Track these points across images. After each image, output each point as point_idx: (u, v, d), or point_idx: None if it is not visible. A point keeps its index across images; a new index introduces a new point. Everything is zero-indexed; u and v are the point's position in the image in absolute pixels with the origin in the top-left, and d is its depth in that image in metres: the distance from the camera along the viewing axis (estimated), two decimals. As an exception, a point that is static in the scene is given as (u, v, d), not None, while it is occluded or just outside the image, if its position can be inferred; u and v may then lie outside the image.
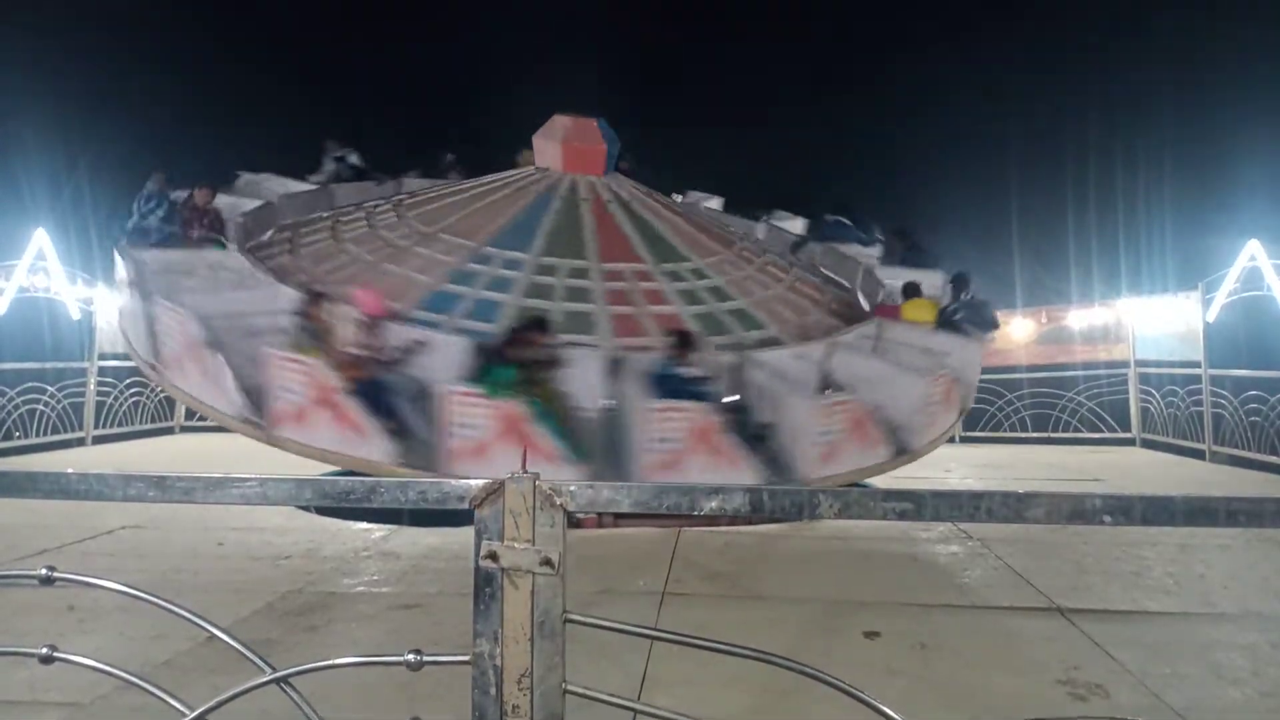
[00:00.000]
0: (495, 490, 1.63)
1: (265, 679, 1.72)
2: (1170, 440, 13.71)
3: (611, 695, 1.67)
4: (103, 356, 14.13)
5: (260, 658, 1.73)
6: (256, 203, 9.64)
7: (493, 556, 1.62)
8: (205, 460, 12.09)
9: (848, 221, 10.76)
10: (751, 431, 6.69)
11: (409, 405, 6.61)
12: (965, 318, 8.47)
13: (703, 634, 1.68)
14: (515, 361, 6.50)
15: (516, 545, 1.62)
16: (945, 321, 8.50)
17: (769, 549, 6.53)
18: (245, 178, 10.60)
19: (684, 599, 5.13)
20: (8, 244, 12.85)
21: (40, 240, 12.90)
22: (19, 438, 12.32)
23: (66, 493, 1.80)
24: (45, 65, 18.61)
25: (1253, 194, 17.42)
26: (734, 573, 5.76)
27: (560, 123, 9.81)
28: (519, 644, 1.60)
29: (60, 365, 13.34)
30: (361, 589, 5.34)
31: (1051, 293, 17.13)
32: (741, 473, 6.49)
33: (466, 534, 1.65)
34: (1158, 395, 14.24)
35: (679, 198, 11.86)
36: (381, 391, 6.59)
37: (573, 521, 1.73)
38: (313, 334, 6.77)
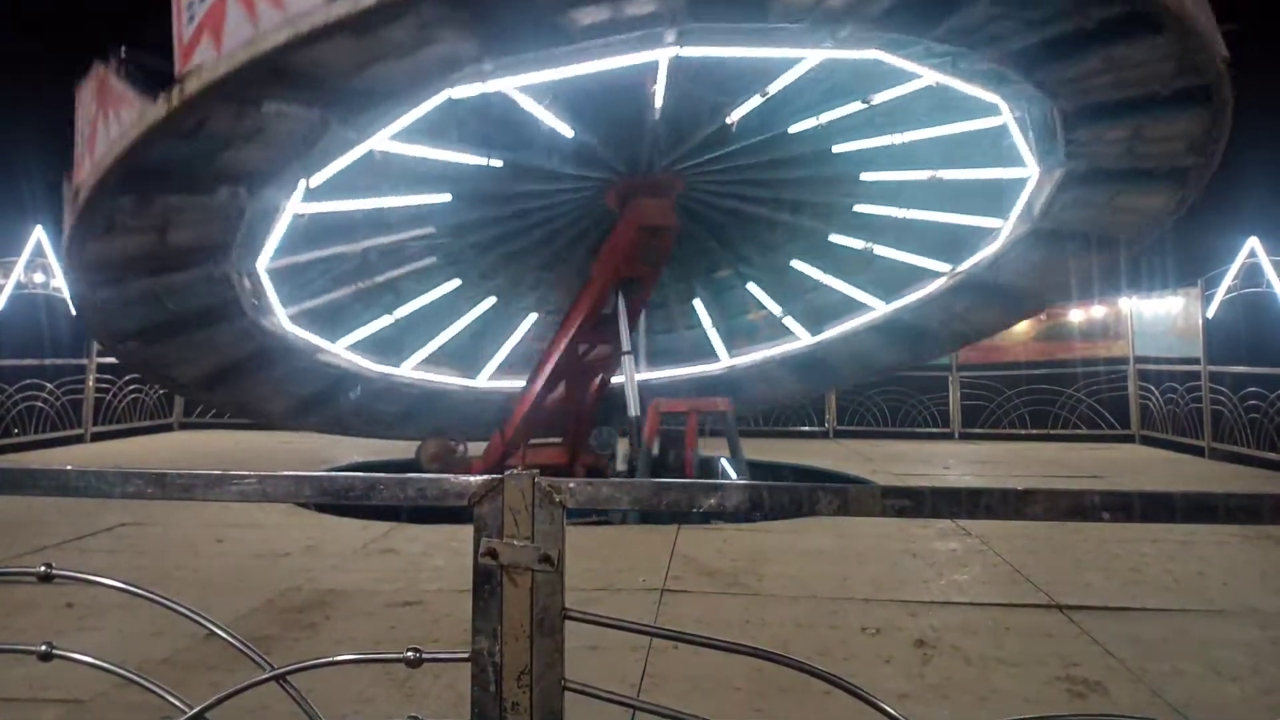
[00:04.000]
0: (494, 487, 1.63)
1: (264, 676, 1.72)
2: (1169, 437, 13.73)
3: (611, 692, 1.67)
4: (101, 353, 14.13)
5: (259, 655, 1.73)
6: None
7: (492, 553, 1.62)
8: (204, 457, 12.09)
9: None
10: None
11: None
12: None
13: (701, 631, 1.68)
14: None
15: (515, 542, 1.62)
16: None
17: (767, 545, 6.53)
18: None
19: (683, 596, 5.14)
20: (6, 241, 12.85)
21: (38, 237, 12.90)
22: (18, 434, 12.33)
23: (65, 490, 1.80)
24: (45, 62, 18.59)
25: (1253, 191, 17.44)
26: (732, 569, 5.77)
27: None
28: (518, 641, 1.60)
29: (59, 362, 13.34)
30: (361, 586, 5.34)
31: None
32: None
33: (466, 531, 1.65)
34: (1157, 392, 14.26)
35: None
36: None
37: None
38: None
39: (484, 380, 11.21)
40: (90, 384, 13.80)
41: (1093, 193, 8.77)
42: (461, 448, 9.96)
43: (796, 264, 11.02)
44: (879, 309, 10.90)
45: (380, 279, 9.98)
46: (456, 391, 11.03)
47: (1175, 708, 3.53)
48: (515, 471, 1.65)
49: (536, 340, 11.23)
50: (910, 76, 7.94)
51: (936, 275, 10.43)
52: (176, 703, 1.81)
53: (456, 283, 10.45)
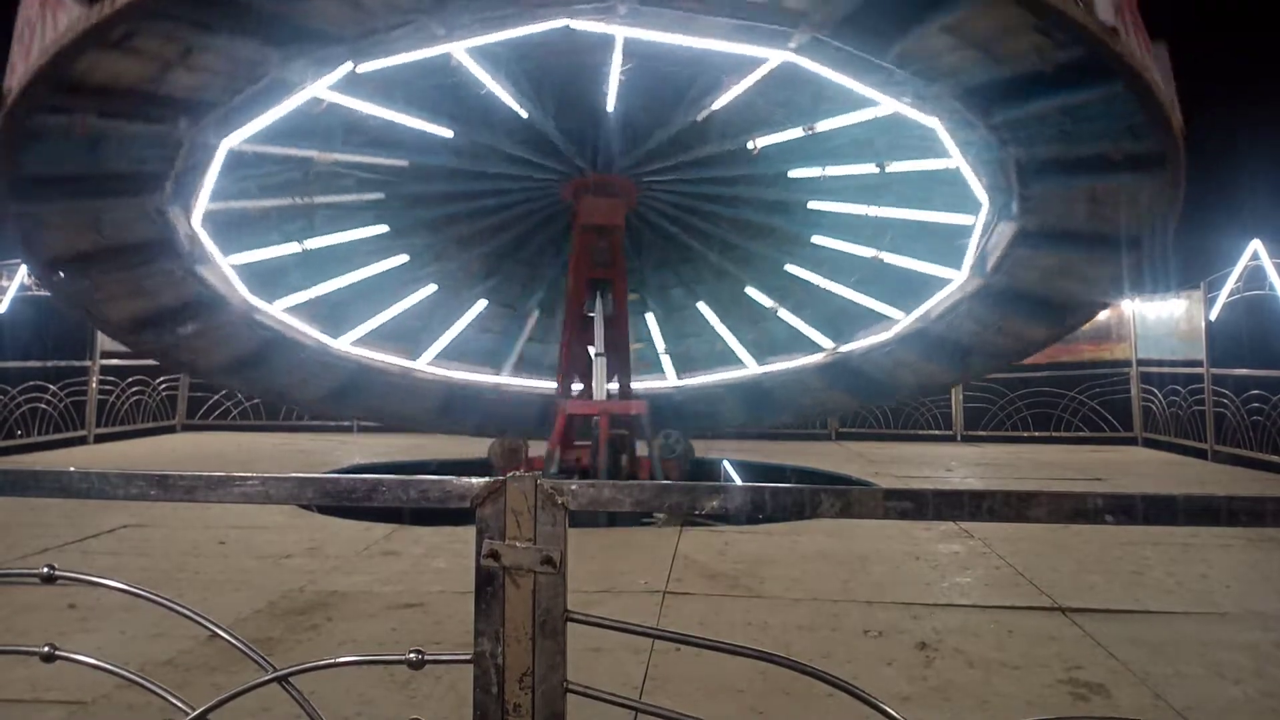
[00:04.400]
0: (497, 489, 1.63)
1: (267, 678, 1.72)
2: (1172, 439, 13.71)
3: (613, 694, 1.67)
4: (104, 355, 14.15)
5: (262, 656, 1.73)
6: None
7: (494, 555, 1.62)
8: (207, 459, 12.10)
9: None
10: None
11: None
12: None
13: (703, 633, 1.68)
14: None
15: (518, 544, 1.62)
16: None
17: (769, 548, 6.53)
18: None
19: (685, 598, 5.14)
20: (10, 243, 12.85)
21: (42, 239, 12.91)
22: (21, 436, 12.34)
23: (69, 491, 1.80)
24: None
25: (1255, 193, 17.41)
26: (734, 572, 5.76)
27: None
28: (520, 643, 1.60)
29: (62, 364, 13.36)
30: (363, 588, 5.35)
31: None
32: None
33: (468, 533, 1.65)
34: (1160, 394, 14.24)
35: None
36: None
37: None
38: None
39: (345, 343, 10.11)
40: (93, 386, 13.83)
41: (991, 312, 9.18)
42: (527, 448, 9.88)
43: (701, 306, 11.08)
44: (750, 369, 10.93)
45: (313, 200, 9.31)
46: (310, 346, 9.95)
47: (1178, 710, 3.52)
48: (517, 474, 1.66)
49: (416, 319, 10.68)
50: (933, 155, 8.31)
51: (815, 350, 10.62)
52: (179, 704, 1.81)
53: (383, 229, 9.90)
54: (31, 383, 12.60)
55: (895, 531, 6.78)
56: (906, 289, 9.80)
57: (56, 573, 1.77)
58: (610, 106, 8.34)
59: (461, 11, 6.28)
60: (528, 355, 11.31)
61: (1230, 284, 12.43)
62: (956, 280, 9.11)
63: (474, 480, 1.66)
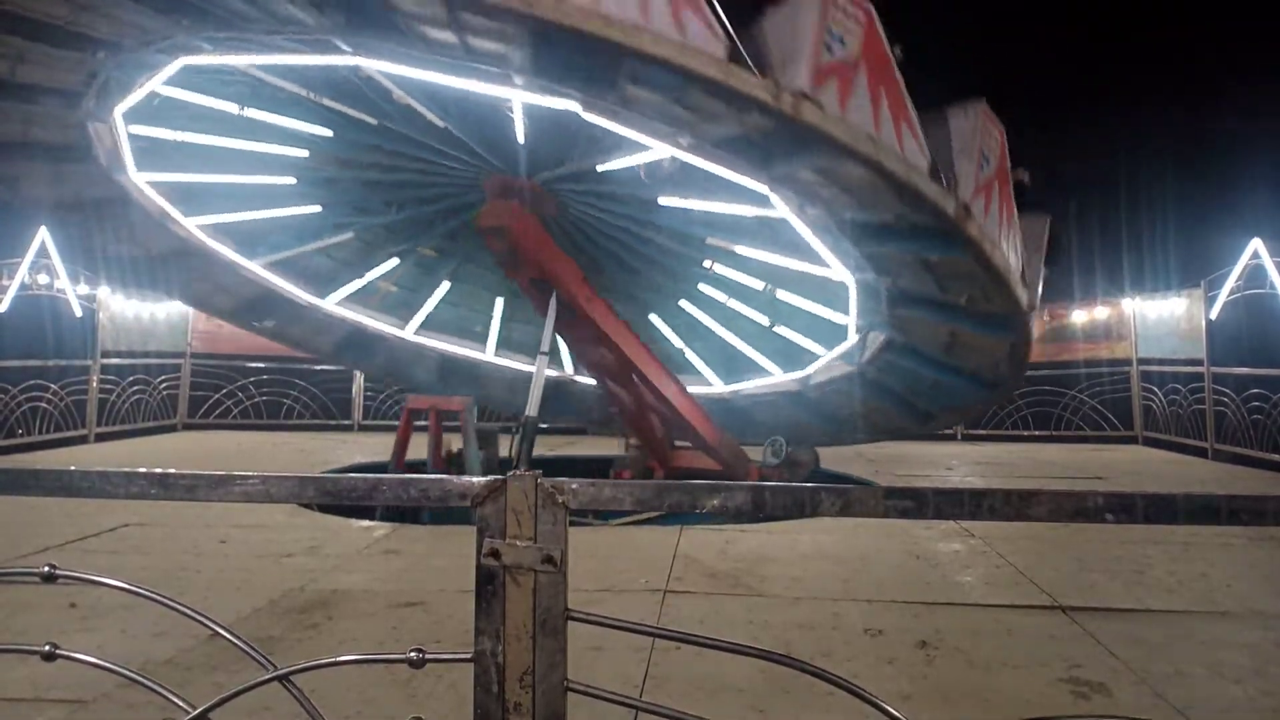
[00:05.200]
0: (497, 488, 1.64)
1: (267, 676, 1.72)
2: (1173, 438, 13.71)
3: (613, 692, 1.68)
4: (105, 354, 14.16)
5: (262, 655, 1.73)
6: None
7: (495, 554, 1.62)
8: (208, 458, 12.10)
9: None
10: None
11: None
12: None
13: (704, 632, 1.68)
14: None
15: (519, 543, 1.62)
16: None
17: (769, 546, 6.53)
18: None
19: (685, 597, 5.14)
20: (10, 242, 12.86)
21: (42, 238, 12.92)
22: (22, 435, 12.34)
23: (70, 490, 1.80)
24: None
25: (1255, 191, 17.41)
26: (734, 571, 5.76)
27: None
28: (521, 641, 1.60)
29: (63, 363, 13.36)
30: (364, 586, 5.35)
31: (1055, 291, 17.11)
32: None
33: (468, 532, 1.65)
34: (1160, 393, 14.24)
35: None
36: None
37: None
38: None
39: (140, 178, 8.97)
40: (94, 385, 13.83)
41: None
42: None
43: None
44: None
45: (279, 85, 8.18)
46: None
47: (1178, 709, 3.52)
48: (517, 472, 1.66)
49: (239, 199, 10.02)
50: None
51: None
52: (179, 703, 1.81)
53: (326, 134, 9.02)
54: (32, 382, 12.60)
55: (896, 530, 6.78)
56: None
57: (57, 571, 1.78)
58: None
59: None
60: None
61: (1230, 283, 12.43)
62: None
63: (474, 479, 1.67)
